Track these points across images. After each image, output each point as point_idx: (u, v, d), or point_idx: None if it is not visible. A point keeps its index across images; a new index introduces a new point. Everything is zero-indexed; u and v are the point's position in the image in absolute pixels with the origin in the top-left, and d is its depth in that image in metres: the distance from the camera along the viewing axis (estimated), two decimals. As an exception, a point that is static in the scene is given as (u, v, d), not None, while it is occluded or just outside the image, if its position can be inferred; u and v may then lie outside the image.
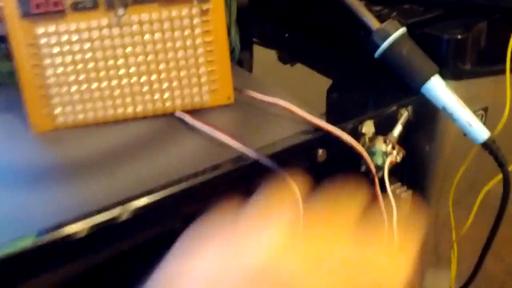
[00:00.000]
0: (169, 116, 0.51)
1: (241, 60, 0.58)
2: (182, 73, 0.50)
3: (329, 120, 0.49)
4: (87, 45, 0.48)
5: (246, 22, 0.57)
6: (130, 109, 0.50)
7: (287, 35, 0.71)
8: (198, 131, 0.49)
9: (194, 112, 0.51)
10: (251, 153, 0.44)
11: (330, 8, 0.65)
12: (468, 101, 0.52)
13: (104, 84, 0.49)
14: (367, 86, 0.61)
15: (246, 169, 0.45)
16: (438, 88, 0.52)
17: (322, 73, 0.66)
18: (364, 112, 0.52)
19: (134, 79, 0.50)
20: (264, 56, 0.70)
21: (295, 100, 0.51)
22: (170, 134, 0.49)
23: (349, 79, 0.65)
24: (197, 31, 0.49)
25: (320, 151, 0.48)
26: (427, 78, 0.52)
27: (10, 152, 0.48)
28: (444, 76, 0.53)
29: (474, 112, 0.52)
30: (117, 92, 0.50)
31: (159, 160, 0.46)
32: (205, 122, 0.48)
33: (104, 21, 0.48)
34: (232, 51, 0.52)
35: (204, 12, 0.49)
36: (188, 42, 0.49)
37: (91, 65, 0.49)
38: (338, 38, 0.65)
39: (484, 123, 0.54)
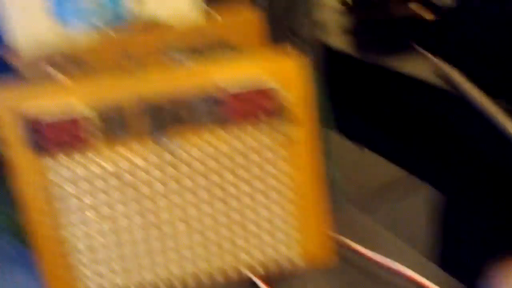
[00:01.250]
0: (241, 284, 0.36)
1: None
2: (251, 227, 0.34)
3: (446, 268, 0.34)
4: (115, 183, 0.33)
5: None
6: (177, 273, 0.35)
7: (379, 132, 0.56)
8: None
9: (275, 279, 0.35)
10: None
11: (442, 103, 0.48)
12: None
13: (141, 247, 0.34)
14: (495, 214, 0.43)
15: None
16: None
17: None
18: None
19: (182, 238, 0.34)
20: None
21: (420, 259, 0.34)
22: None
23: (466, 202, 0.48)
24: (274, 168, 0.34)
25: None
26: None
27: None
28: None
29: None
30: (159, 256, 0.35)
31: None
32: None
33: (144, 154, 0.33)
34: (331, 193, 0.36)
35: (286, 142, 0.33)
36: (259, 185, 0.34)
37: (122, 219, 0.34)
38: (448, 143, 0.48)
39: None
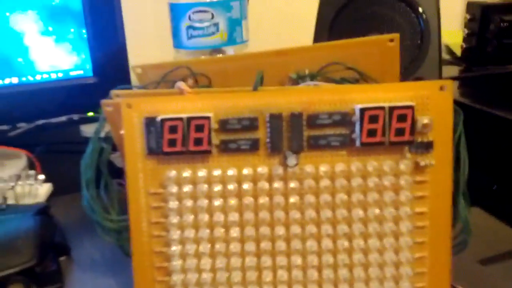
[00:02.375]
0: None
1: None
2: (372, 257, 0.31)
3: None
4: (232, 202, 0.32)
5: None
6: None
7: (495, 187, 0.51)
8: None
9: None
10: None
11: None
12: None
13: (252, 274, 0.32)
14: None
15: None
16: None
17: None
18: None
19: (297, 270, 0.32)
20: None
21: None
22: None
23: None
24: (404, 196, 0.31)
25: None
26: None
27: None
28: None
29: None
30: (268, 282, 0.32)
31: None
32: None
33: (264, 170, 0.32)
34: (456, 235, 0.33)
35: (419, 170, 0.31)
36: (388, 212, 0.31)
37: (234, 234, 0.32)
38: None
39: None
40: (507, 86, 0.58)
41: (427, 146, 0.30)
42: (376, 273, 0.31)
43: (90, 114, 0.53)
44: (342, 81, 0.34)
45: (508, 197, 0.51)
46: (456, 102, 0.31)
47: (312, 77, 0.35)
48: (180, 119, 0.31)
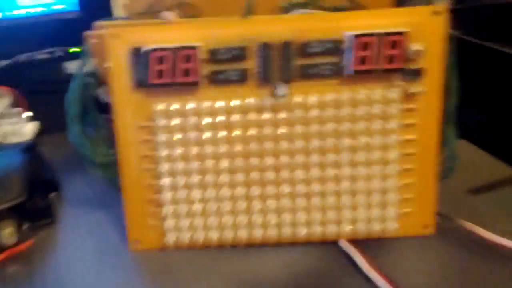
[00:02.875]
0: (329, 245, 0.33)
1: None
2: (360, 185, 0.32)
3: None
4: (222, 134, 0.32)
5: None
6: (273, 232, 0.33)
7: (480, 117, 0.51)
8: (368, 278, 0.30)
9: (370, 243, 0.32)
10: None
11: None
12: None
13: (242, 204, 0.32)
14: None
15: None
16: None
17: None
18: None
19: (286, 198, 0.32)
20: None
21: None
22: (327, 275, 0.31)
23: None
24: (393, 124, 0.31)
25: None
26: None
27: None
28: None
29: None
30: (257, 210, 0.33)
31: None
32: (376, 266, 0.30)
33: (253, 102, 0.31)
34: (443, 161, 0.33)
35: (409, 97, 0.31)
36: (377, 140, 0.31)
37: (224, 165, 0.32)
38: None
39: None
40: (500, 18, 0.57)
41: (418, 73, 0.30)
42: (363, 199, 0.32)
43: (75, 49, 0.51)
44: (334, 9, 0.33)
45: (495, 129, 0.51)
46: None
47: (303, 5, 0.34)
48: (168, 49, 0.30)
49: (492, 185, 0.41)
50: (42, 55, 0.50)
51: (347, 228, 0.32)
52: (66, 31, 0.49)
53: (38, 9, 0.50)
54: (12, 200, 0.36)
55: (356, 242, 0.33)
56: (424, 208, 0.33)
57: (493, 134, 0.50)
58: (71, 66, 0.52)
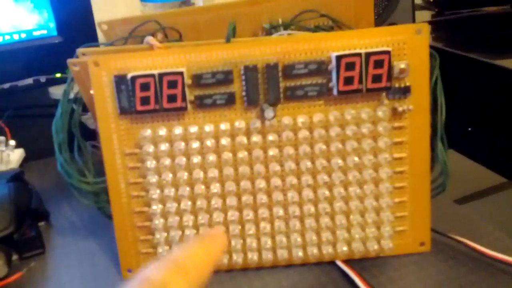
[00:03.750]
0: (325, 266, 0.33)
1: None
2: (353, 205, 0.32)
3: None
4: (211, 158, 0.31)
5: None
6: (269, 255, 0.33)
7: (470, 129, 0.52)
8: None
9: (366, 262, 0.32)
10: None
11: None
12: None
13: (235, 228, 0.32)
14: None
15: None
16: None
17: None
18: None
19: (280, 221, 0.32)
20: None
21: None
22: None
23: None
24: (383, 143, 0.31)
25: None
26: None
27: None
28: None
29: None
30: (251, 234, 0.32)
31: None
32: (372, 286, 0.30)
33: (242, 124, 0.31)
34: (434, 178, 0.33)
35: (398, 115, 0.31)
36: (367, 159, 0.31)
37: (215, 190, 0.32)
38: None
39: None
40: (479, 29, 0.58)
41: (405, 91, 0.30)
42: (357, 219, 0.32)
43: (58, 75, 0.51)
44: (316, 29, 0.34)
45: (482, 138, 0.51)
46: (430, 47, 0.31)
47: (286, 26, 0.34)
48: (152, 75, 0.30)
49: (479, 194, 0.42)
50: (25, 81, 0.50)
51: (343, 248, 0.32)
52: (50, 57, 0.49)
53: (19, 36, 0.50)
54: (0, 232, 0.35)
55: (352, 262, 0.32)
56: (419, 226, 0.33)
57: (480, 143, 0.51)
58: (56, 91, 0.52)
